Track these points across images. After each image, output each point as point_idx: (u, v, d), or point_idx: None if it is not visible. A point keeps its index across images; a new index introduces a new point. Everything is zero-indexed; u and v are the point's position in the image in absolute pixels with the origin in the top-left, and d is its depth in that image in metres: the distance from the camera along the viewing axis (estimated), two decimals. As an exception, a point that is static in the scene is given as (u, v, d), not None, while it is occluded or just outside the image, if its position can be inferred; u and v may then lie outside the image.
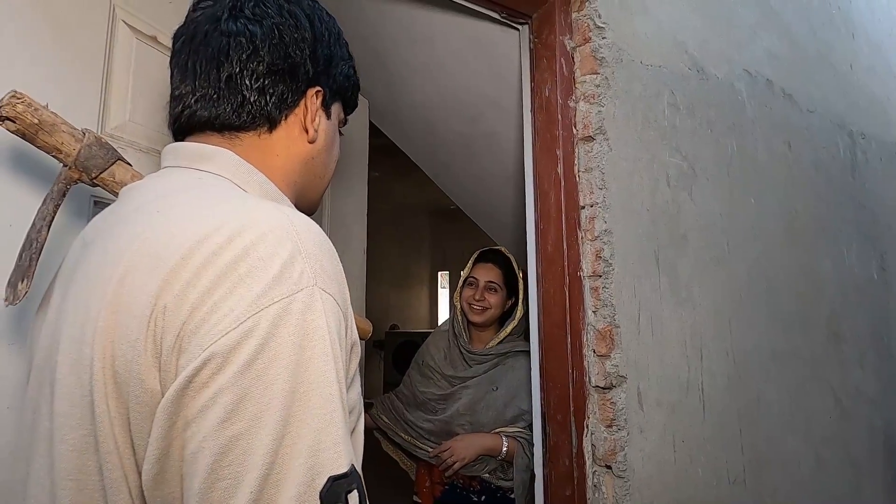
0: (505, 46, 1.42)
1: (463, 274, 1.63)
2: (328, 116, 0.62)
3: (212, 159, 0.54)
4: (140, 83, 0.88)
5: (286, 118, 0.58)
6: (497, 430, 1.46)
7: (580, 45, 1.12)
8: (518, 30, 1.22)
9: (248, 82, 0.55)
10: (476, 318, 1.55)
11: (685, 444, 1.09)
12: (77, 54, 0.79)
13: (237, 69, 0.55)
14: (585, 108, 1.09)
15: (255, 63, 0.55)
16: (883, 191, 1.80)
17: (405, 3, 1.50)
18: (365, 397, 0.75)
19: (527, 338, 1.38)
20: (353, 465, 0.40)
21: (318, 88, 0.59)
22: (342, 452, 0.40)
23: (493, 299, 1.55)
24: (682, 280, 1.15)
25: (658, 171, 1.16)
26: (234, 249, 0.42)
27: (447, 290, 7.33)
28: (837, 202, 1.60)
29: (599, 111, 1.08)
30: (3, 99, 0.55)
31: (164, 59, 0.94)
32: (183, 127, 0.57)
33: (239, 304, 0.40)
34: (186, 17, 0.58)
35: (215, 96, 0.55)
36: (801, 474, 1.31)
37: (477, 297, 1.55)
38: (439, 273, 7.39)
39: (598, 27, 1.10)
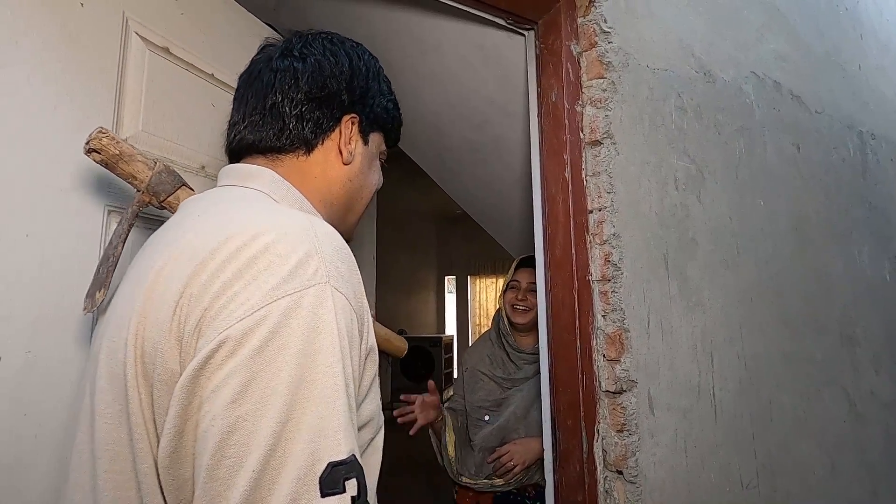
0: (511, 52, 1.43)
1: (506, 278, 1.69)
2: (365, 143, 0.67)
3: (255, 177, 0.62)
4: (153, 94, 0.90)
5: (322, 142, 0.64)
6: None
7: (586, 50, 1.12)
8: (524, 35, 1.23)
9: (287, 109, 0.62)
10: (520, 319, 1.58)
11: (697, 448, 1.08)
12: (91, 66, 0.80)
13: (279, 98, 0.62)
14: (592, 113, 1.09)
15: (295, 92, 0.63)
16: (894, 191, 1.78)
17: (412, 12, 1.51)
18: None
19: None
20: (353, 454, 0.41)
21: (354, 115, 0.66)
22: (342, 440, 0.41)
23: (535, 300, 1.57)
24: (691, 283, 1.15)
25: (666, 175, 1.15)
26: (255, 246, 0.46)
27: (454, 295, 7.33)
28: (848, 203, 1.59)
29: (606, 115, 1.08)
30: (91, 134, 0.65)
31: (177, 71, 0.95)
32: (234, 150, 0.65)
33: (255, 294, 0.43)
34: (251, 60, 0.68)
35: (260, 122, 0.63)
36: (815, 479, 1.29)
37: (520, 298, 1.60)
38: (446, 278, 7.39)
39: (604, 32, 1.11)
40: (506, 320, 1.63)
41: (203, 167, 1.00)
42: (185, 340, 0.44)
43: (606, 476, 0.99)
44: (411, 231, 6.51)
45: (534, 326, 1.60)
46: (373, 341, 0.52)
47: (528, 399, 1.52)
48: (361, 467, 0.42)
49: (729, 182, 1.27)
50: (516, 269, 1.66)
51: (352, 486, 0.40)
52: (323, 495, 0.38)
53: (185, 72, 0.97)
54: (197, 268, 0.45)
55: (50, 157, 0.74)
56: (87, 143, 0.65)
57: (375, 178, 0.71)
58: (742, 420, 1.17)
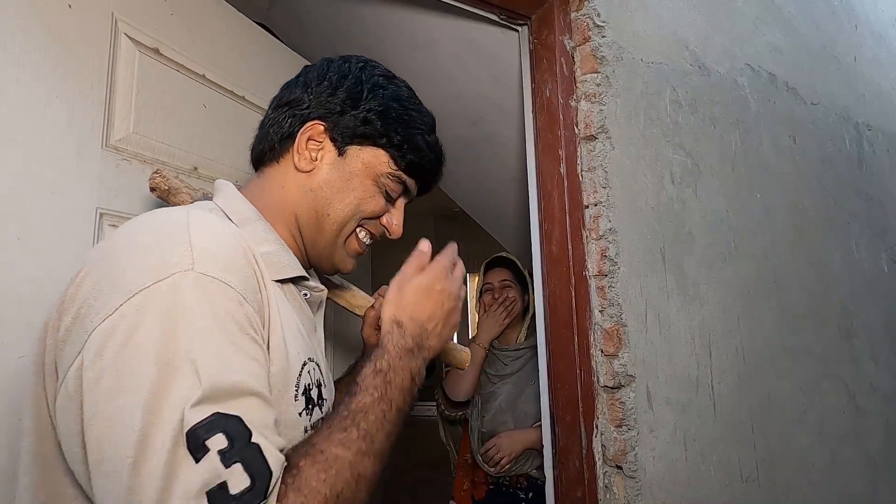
0: (505, 48, 1.42)
1: (477, 286, 1.74)
2: (339, 154, 0.63)
3: (218, 191, 0.63)
4: (143, 95, 0.89)
5: (287, 150, 0.63)
6: (537, 423, 1.49)
7: (580, 45, 1.11)
8: (517, 31, 1.22)
9: (268, 115, 0.65)
10: (509, 316, 1.62)
11: (696, 442, 1.08)
12: (80, 68, 0.80)
13: (269, 109, 0.66)
14: (587, 108, 1.08)
15: (275, 99, 0.66)
16: (891, 182, 1.77)
17: (405, 10, 1.51)
18: None
19: None
20: (215, 413, 0.41)
21: (315, 122, 0.63)
22: (193, 403, 0.41)
23: (513, 293, 1.65)
24: (688, 277, 1.15)
25: (662, 169, 1.15)
26: (122, 244, 0.48)
27: (454, 294, 7.30)
28: (845, 195, 1.58)
29: (601, 110, 1.07)
30: (151, 177, 0.77)
31: (167, 71, 0.95)
32: (254, 165, 0.69)
33: (118, 289, 0.44)
34: None
35: (258, 135, 0.67)
36: (815, 472, 1.29)
37: (498, 296, 1.64)
38: (446, 276, 7.36)
39: (598, 26, 1.10)
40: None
41: (195, 168, 0.99)
42: (61, 340, 0.46)
43: (606, 471, 0.99)
44: (409, 229, 6.50)
45: (516, 322, 1.65)
46: (278, 339, 0.52)
47: (514, 392, 1.56)
48: (234, 420, 0.42)
49: (725, 175, 1.27)
50: (485, 272, 1.72)
51: (217, 441, 0.40)
52: (197, 461, 0.40)
53: (175, 72, 0.96)
54: (78, 272, 0.48)
55: (40, 159, 0.73)
56: (149, 182, 0.78)
57: (357, 197, 0.63)
58: (741, 413, 1.17)
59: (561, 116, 1.09)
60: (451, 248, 0.68)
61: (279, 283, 0.59)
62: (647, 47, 1.17)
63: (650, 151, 1.13)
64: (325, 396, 0.61)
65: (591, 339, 1.03)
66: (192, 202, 0.73)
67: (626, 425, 0.99)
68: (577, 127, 1.09)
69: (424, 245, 0.66)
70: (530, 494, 1.48)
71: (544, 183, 1.12)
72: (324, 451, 0.47)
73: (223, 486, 0.39)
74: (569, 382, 1.04)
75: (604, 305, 1.02)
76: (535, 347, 1.58)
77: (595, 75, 1.09)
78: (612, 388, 1.00)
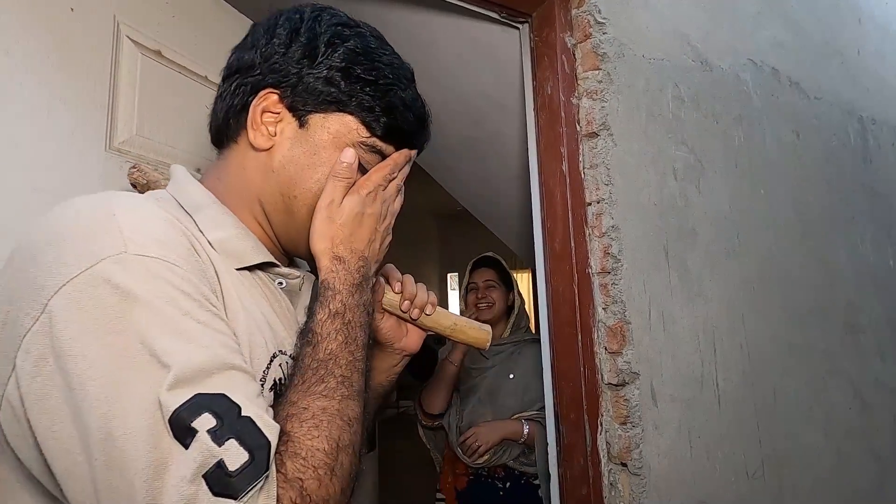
0: (506, 47, 1.42)
1: (462, 284, 1.80)
2: (300, 125, 0.54)
3: (172, 178, 0.56)
4: (146, 98, 0.90)
5: (243, 126, 0.54)
6: (516, 415, 1.54)
7: (581, 42, 1.11)
8: (518, 29, 1.22)
9: (220, 89, 0.56)
10: (485, 316, 1.68)
11: (701, 439, 1.08)
12: (83, 71, 0.80)
13: (222, 80, 0.56)
14: (588, 105, 1.08)
15: (224, 69, 0.56)
16: (897, 177, 1.76)
17: (406, 9, 1.50)
18: None
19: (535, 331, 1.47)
20: (196, 393, 0.38)
21: (268, 91, 0.53)
22: (169, 396, 0.37)
23: (496, 294, 1.71)
24: (692, 274, 1.14)
25: (664, 165, 1.15)
26: (40, 238, 0.42)
27: (457, 292, 7.33)
28: (850, 190, 1.57)
29: (603, 107, 1.07)
30: (129, 172, 0.75)
31: (170, 74, 0.95)
32: (215, 146, 0.60)
33: (42, 288, 0.39)
34: None
35: (213, 112, 0.57)
36: (821, 469, 1.29)
37: (481, 297, 1.70)
38: (448, 275, 7.39)
39: (599, 23, 1.10)
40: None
41: (199, 170, 1.00)
42: None
43: (611, 469, 0.99)
44: (412, 228, 6.51)
45: (499, 319, 1.70)
46: (239, 331, 0.47)
47: (493, 385, 1.62)
48: (218, 397, 0.39)
49: (728, 171, 1.26)
50: (470, 272, 1.77)
51: (204, 421, 0.37)
52: (187, 447, 0.36)
53: (178, 74, 0.97)
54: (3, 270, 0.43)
55: (44, 162, 0.74)
56: (127, 178, 0.75)
57: (324, 176, 0.54)
58: (746, 410, 1.17)
59: (563, 114, 1.09)
60: (387, 163, 0.57)
61: (245, 272, 0.53)
62: (648, 44, 1.17)
63: (653, 148, 1.13)
64: None
65: (595, 336, 1.03)
66: None
67: (630, 422, 0.99)
68: (578, 124, 1.09)
69: (349, 155, 0.54)
70: (508, 484, 1.53)
71: (546, 180, 1.12)
72: (307, 407, 0.44)
73: (220, 465, 0.36)
74: (573, 380, 1.04)
75: (607, 303, 1.02)
76: (517, 343, 1.67)
77: (596, 72, 1.08)
78: (616, 385, 1.00)
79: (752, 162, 1.32)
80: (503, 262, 1.79)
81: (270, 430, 0.40)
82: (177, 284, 0.41)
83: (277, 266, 0.57)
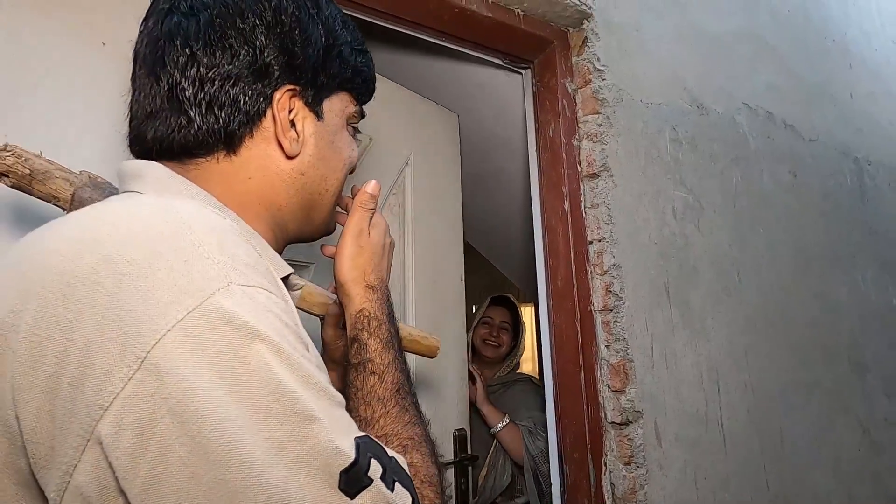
0: (510, 89, 1.48)
1: (478, 314, 1.81)
2: (318, 117, 0.49)
3: (141, 176, 0.44)
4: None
5: (251, 133, 0.46)
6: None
7: (581, 87, 1.16)
8: (521, 74, 1.28)
9: (189, 94, 0.44)
10: (489, 353, 1.72)
11: (707, 481, 1.06)
12: (111, 105, 0.84)
13: (177, 78, 0.44)
14: (589, 147, 1.12)
15: (194, 68, 0.44)
16: (895, 215, 1.79)
17: (417, 55, 1.58)
18: None
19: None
20: (357, 443, 0.34)
21: (290, 87, 0.47)
22: (339, 445, 0.33)
23: (505, 338, 1.75)
24: (694, 312, 1.15)
25: (664, 205, 1.17)
26: (98, 268, 0.32)
27: (461, 325, 7.28)
28: (848, 229, 1.60)
29: (603, 149, 1.11)
30: None
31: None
32: (136, 152, 0.48)
33: (115, 344, 0.30)
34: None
35: (159, 113, 0.45)
36: (832, 512, 1.26)
37: (493, 335, 1.74)
38: (452, 307, 7.35)
39: (598, 69, 1.15)
40: (468, 354, 1.72)
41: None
42: (27, 430, 0.31)
43: (616, 510, 0.98)
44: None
45: (501, 360, 1.74)
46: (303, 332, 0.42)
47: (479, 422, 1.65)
48: (371, 440, 0.36)
49: (727, 211, 1.29)
50: (489, 306, 1.80)
51: (375, 470, 0.35)
52: (353, 497, 0.33)
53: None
54: (24, 315, 0.32)
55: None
56: None
57: (345, 156, 0.53)
58: (752, 450, 1.16)
59: (564, 155, 1.13)
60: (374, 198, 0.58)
61: None
62: (646, 89, 1.22)
63: (652, 188, 1.16)
64: None
65: (598, 374, 1.03)
66: (73, 190, 0.55)
67: (635, 462, 0.98)
68: (579, 165, 1.13)
69: (373, 186, 0.55)
70: None
71: (549, 219, 1.15)
72: (412, 436, 0.46)
73: None
74: (576, 419, 1.04)
75: (609, 340, 1.03)
76: (507, 383, 1.70)
77: (596, 116, 1.13)
78: (619, 424, 1.00)
79: (751, 201, 1.35)
80: (519, 309, 1.83)
81: (407, 465, 0.40)
82: (284, 320, 0.36)
83: (293, 273, 0.52)
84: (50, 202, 0.57)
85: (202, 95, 0.44)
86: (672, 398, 1.06)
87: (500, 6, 1.09)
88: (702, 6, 1.39)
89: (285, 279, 0.48)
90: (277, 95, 0.46)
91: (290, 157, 0.48)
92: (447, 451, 1.24)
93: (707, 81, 1.36)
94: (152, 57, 0.45)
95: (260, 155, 0.47)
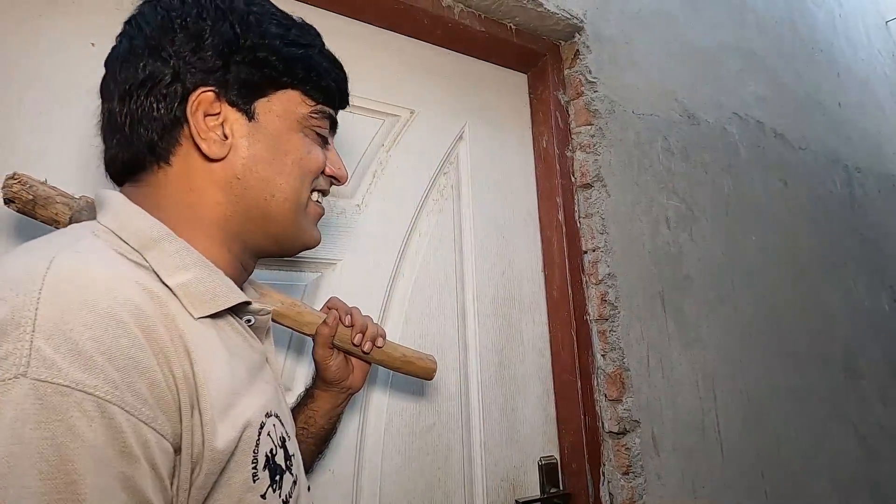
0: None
1: None
2: (249, 118, 0.48)
3: (102, 205, 0.45)
4: None
5: (178, 141, 0.46)
6: None
7: (574, 99, 1.18)
8: (514, 86, 1.29)
9: (117, 115, 0.46)
10: None
11: (705, 489, 1.06)
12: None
13: (111, 104, 0.46)
14: (582, 158, 1.13)
15: (118, 90, 0.46)
16: (885, 222, 1.81)
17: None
18: None
19: None
20: None
21: (204, 89, 0.46)
22: None
23: None
24: (689, 320, 1.16)
25: (657, 214, 1.19)
26: None
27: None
28: (839, 236, 1.62)
29: (596, 160, 1.12)
30: (5, 184, 0.56)
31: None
32: (111, 176, 0.49)
33: None
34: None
35: (108, 139, 0.47)
36: (830, 519, 1.26)
37: None
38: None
39: (590, 82, 1.17)
40: None
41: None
42: None
43: (614, 521, 0.98)
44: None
45: None
46: (219, 410, 0.38)
47: None
48: None
49: (719, 219, 1.31)
50: None
51: None
52: None
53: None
54: None
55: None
56: (2, 194, 0.57)
57: (296, 158, 0.50)
58: (749, 458, 1.16)
59: (557, 166, 1.14)
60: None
61: (209, 318, 0.43)
62: (637, 100, 1.23)
63: (645, 198, 1.18)
64: (291, 452, 0.48)
65: (595, 383, 1.04)
66: (70, 213, 0.56)
67: (633, 472, 0.98)
68: (573, 176, 1.14)
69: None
70: None
71: (543, 229, 1.16)
72: None
73: None
74: (574, 428, 1.03)
75: (605, 349, 1.04)
76: None
77: (589, 127, 1.14)
78: (617, 433, 1.00)
79: (743, 210, 1.37)
80: None
81: None
82: (91, 441, 0.30)
83: (249, 303, 0.48)
84: (50, 225, 0.59)
85: (125, 112, 0.45)
86: (669, 407, 1.07)
87: (493, 20, 1.10)
88: (691, 19, 1.42)
89: (245, 305, 0.47)
90: (192, 98, 0.45)
91: (213, 160, 0.46)
92: (530, 484, 0.99)
93: (697, 92, 1.38)
94: (101, 90, 0.49)
95: (193, 163, 0.46)
